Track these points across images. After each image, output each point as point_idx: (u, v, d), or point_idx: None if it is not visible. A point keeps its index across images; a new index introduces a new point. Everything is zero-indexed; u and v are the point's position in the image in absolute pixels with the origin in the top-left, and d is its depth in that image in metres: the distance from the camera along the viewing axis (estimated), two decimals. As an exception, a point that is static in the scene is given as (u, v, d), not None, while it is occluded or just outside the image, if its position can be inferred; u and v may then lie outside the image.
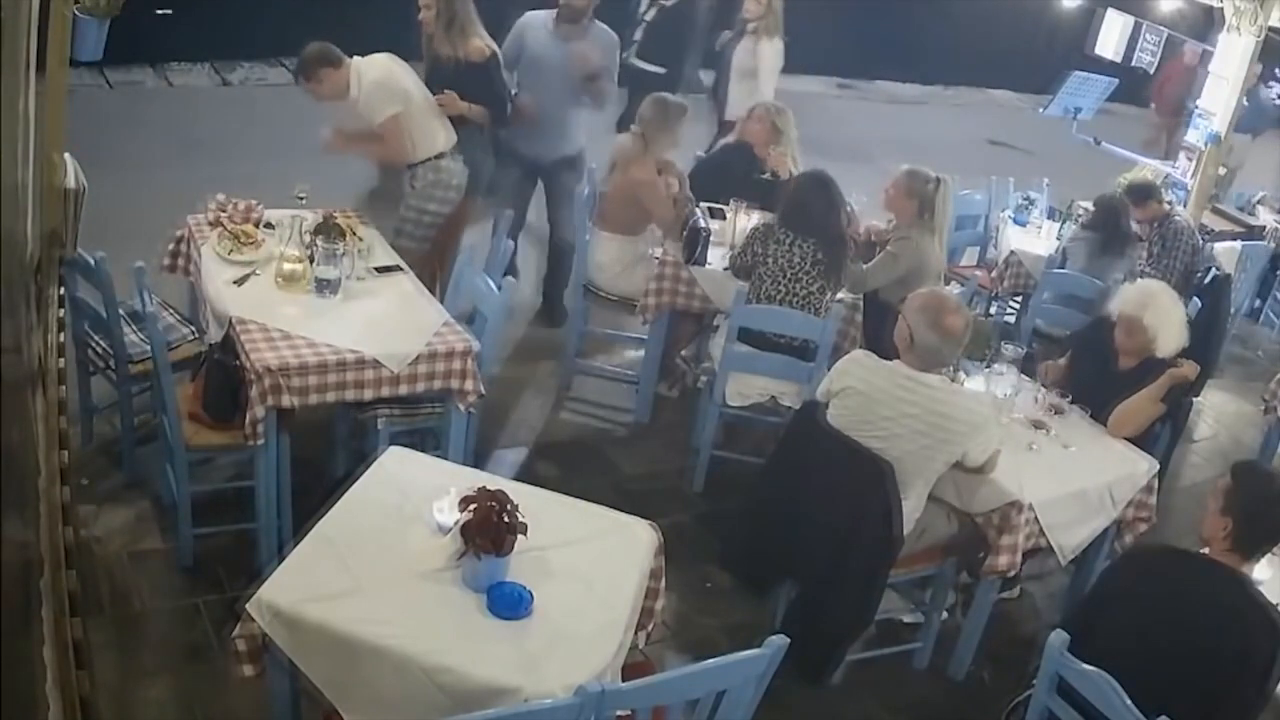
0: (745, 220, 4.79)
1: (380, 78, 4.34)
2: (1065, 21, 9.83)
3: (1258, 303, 7.51)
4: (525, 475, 4.10)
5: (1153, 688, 2.45)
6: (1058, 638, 2.62)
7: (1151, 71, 9.54)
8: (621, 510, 2.82)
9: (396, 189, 4.74)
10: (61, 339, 3.40)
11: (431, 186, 4.59)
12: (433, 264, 4.70)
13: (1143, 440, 3.86)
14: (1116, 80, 9.74)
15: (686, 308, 4.65)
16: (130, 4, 4.18)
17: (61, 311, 3.49)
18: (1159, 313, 3.85)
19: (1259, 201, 7.87)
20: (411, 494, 2.68)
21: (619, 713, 2.17)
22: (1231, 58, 6.73)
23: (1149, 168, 7.56)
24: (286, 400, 3.22)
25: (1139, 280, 4.34)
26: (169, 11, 5.67)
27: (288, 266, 3.65)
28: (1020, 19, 12.54)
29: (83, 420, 3.92)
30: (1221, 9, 6.66)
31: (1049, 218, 6.41)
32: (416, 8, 4.71)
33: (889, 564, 3.20)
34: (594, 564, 2.59)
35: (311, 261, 3.64)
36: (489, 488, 2.46)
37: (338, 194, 4.68)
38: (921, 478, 3.21)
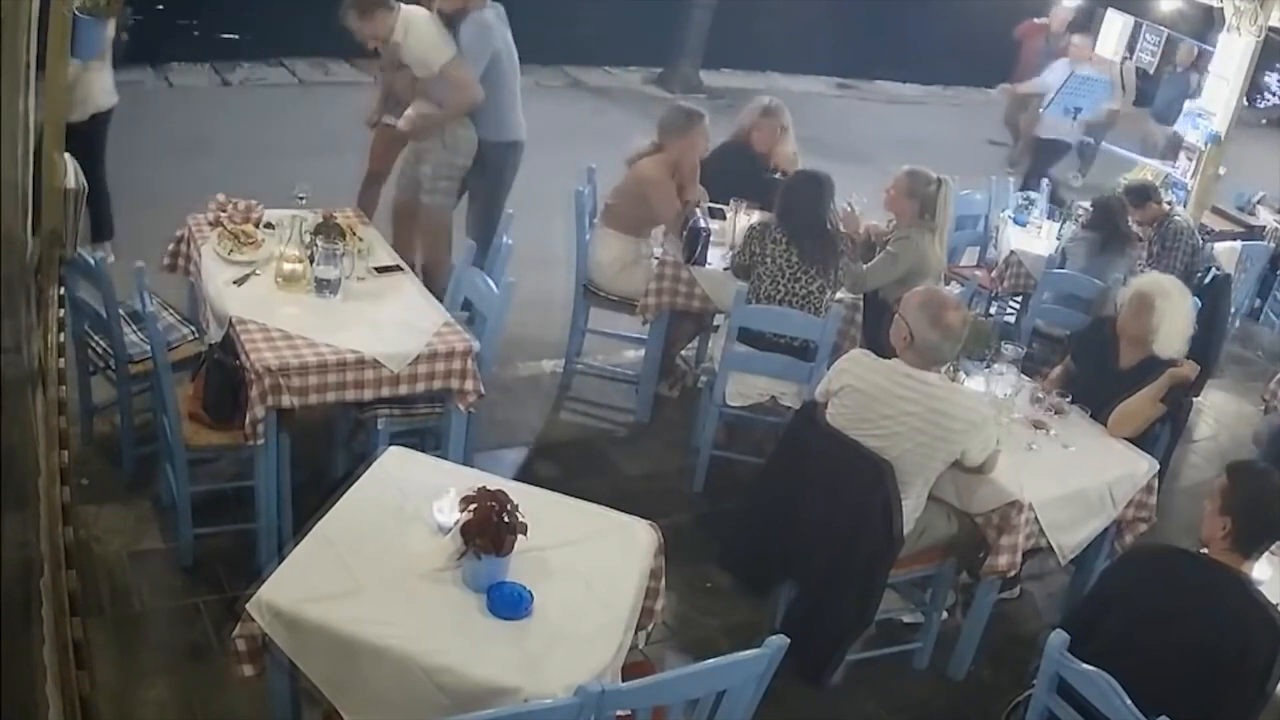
0: (745, 220, 4.79)
1: (434, 27, 4.66)
2: (1077, 23, 9.84)
3: (1258, 303, 7.51)
4: (525, 475, 4.10)
5: (1153, 688, 2.45)
6: (1058, 638, 2.62)
7: (1151, 72, 9.56)
8: (621, 510, 2.82)
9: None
10: (61, 339, 3.40)
11: (461, 141, 4.84)
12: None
13: (1143, 440, 3.86)
14: (1116, 80, 9.76)
15: (686, 308, 4.65)
16: (130, 4, 4.19)
17: (61, 311, 3.49)
18: (1170, 301, 3.86)
19: (1259, 201, 7.87)
20: (411, 494, 2.68)
21: (619, 713, 2.17)
22: (1231, 58, 6.74)
23: (1149, 168, 7.58)
24: (286, 400, 3.22)
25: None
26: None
27: (288, 266, 3.64)
28: (1020, 19, 12.55)
29: (83, 420, 3.92)
30: (1221, 9, 6.67)
31: (1049, 218, 6.41)
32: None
33: (889, 564, 3.20)
34: (594, 564, 2.59)
35: (311, 261, 3.64)
36: (489, 488, 2.46)
37: (338, 194, 4.70)
38: (921, 477, 3.21)
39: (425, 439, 3.68)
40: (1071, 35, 8.10)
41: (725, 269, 4.53)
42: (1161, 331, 3.85)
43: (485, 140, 4.91)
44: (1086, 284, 5.19)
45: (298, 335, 3.34)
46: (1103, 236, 5.36)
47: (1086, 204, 5.96)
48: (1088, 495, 3.55)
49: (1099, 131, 9.50)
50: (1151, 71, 9.61)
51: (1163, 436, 4.07)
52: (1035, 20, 9.81)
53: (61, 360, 3.24)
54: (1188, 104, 9.66)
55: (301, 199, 4.02)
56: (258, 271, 3.70)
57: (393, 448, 2.94)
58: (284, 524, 3.44)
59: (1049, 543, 3.47)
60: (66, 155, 3.68)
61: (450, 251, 4.90)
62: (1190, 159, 7.15)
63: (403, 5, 4.64)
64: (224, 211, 3.99)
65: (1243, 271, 6.68)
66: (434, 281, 4.61)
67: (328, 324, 3.45)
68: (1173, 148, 9.39)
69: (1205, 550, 2.76)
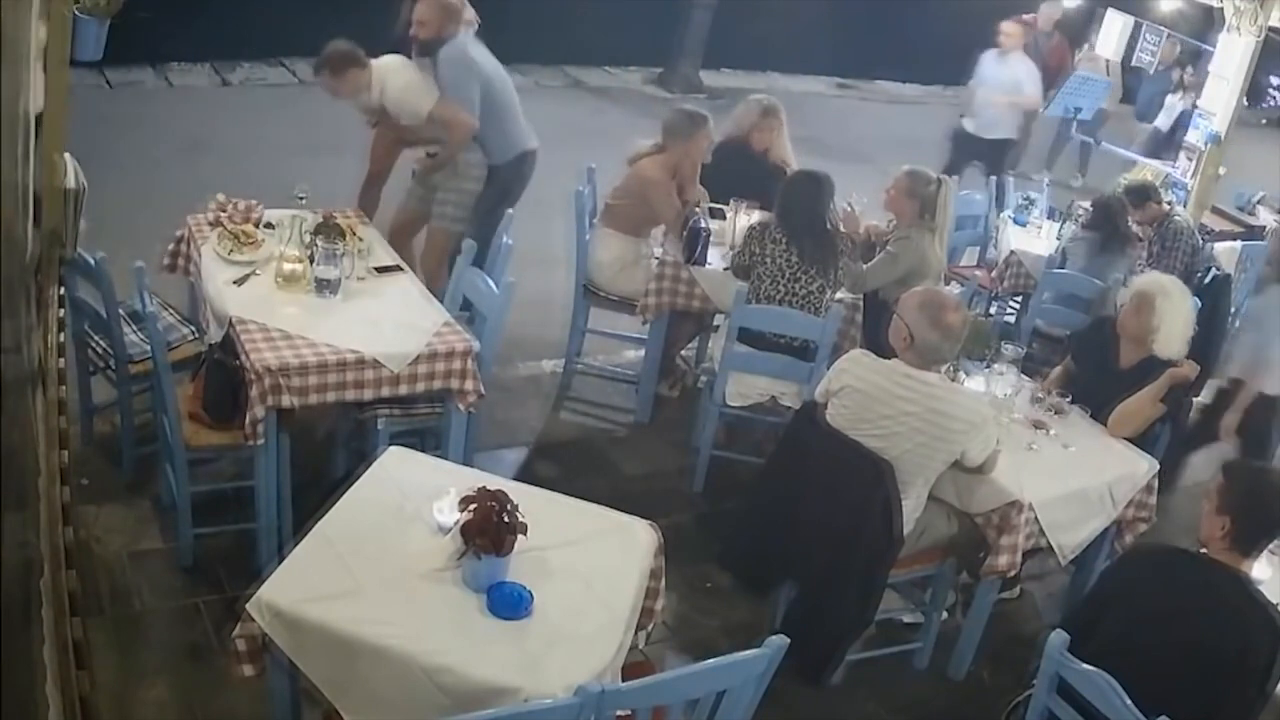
0: (745, 220, 4.79)
1: (411, 74, 4.60)
2: (1065, 22, 9.84)
3: (1258, 303, 7.49)
4: (525, 475, 4.10)
5: (1153, 687, 2.45)
6: (1058, 638, 2.62)
7: (1152, 72, 9.55)
8: (621, 510, 2.82)
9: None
10: (61, 339, 3.40)
11: (469, 166, 4.78)
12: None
13: (1143, 440, 3.86)
14: (1114, 80, 9.73)
15: (686, 308, 4.65)
16: (130, 4, 4.20)
17: (61, 311, 3.49)
18: (1170, 301, 3.85)
19: (1259, 201, 7.87)
20: (411, 494, 2.68)
21: (619, 713, 2.17)
22: (1231, 58, 6.74)
23: (1149, 168, 7.58)
24: (286, 400, 3.22)
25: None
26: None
27: (288, 266, 3.64)
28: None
29: (83, 420, 3.92)
30: (1221, 9, 6.67)
31: (1049, 218, 6.41)
32: (408, 22, 4.75)
33: (889, 564, 3.20)
34: (594, 564, 2.59)
35: (311, 261, 3.64)
36: (489, 488, 2.46)
37: (338, 194, 4.70)
38: (921, 477, 3.21)
39: (425, 439, 3.68)
40: (1002, 24, 7.87)
41: (725, 269, 4.53)
42: (1162, 331, 3.84)
43: (494, 163, 4.86)
44: (1086, 284, 5.19)
45: (298, 335, 3.34)
46: (1103, 236, 5.37)
47: (1086, 204, 5.96)
48: (1088, 495, 3.55)
49: (1094, 130, 9.49)
50: (1151, 71, 9.59)
51: (1163, 436, 4.07)
52: (1022, 17, 9.77)
53: (61, 360, 3.23)
54: (1168, 99, 9.67)
55: (301, 199, 4.02)
56: (258, 271, 3.70)
57: (393, 448, 2.94)
58: (284, 524, 3.44)
59: (1049, 543, 3.47)
60: (66, 155, 3.68)
61: (446, 268, 4.87)
62: (1190, 159, 7.14)
63: (375, 61, 4.55)
64: (224, 211, 4.00)
65: (1243, 271, 6.67)
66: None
67: (328, 324, 3.45)
68: (1154, 144, 9.41)
69: (1204, 550, 2.76)
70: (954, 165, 7.57)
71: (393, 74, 4.58)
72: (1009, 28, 7.67)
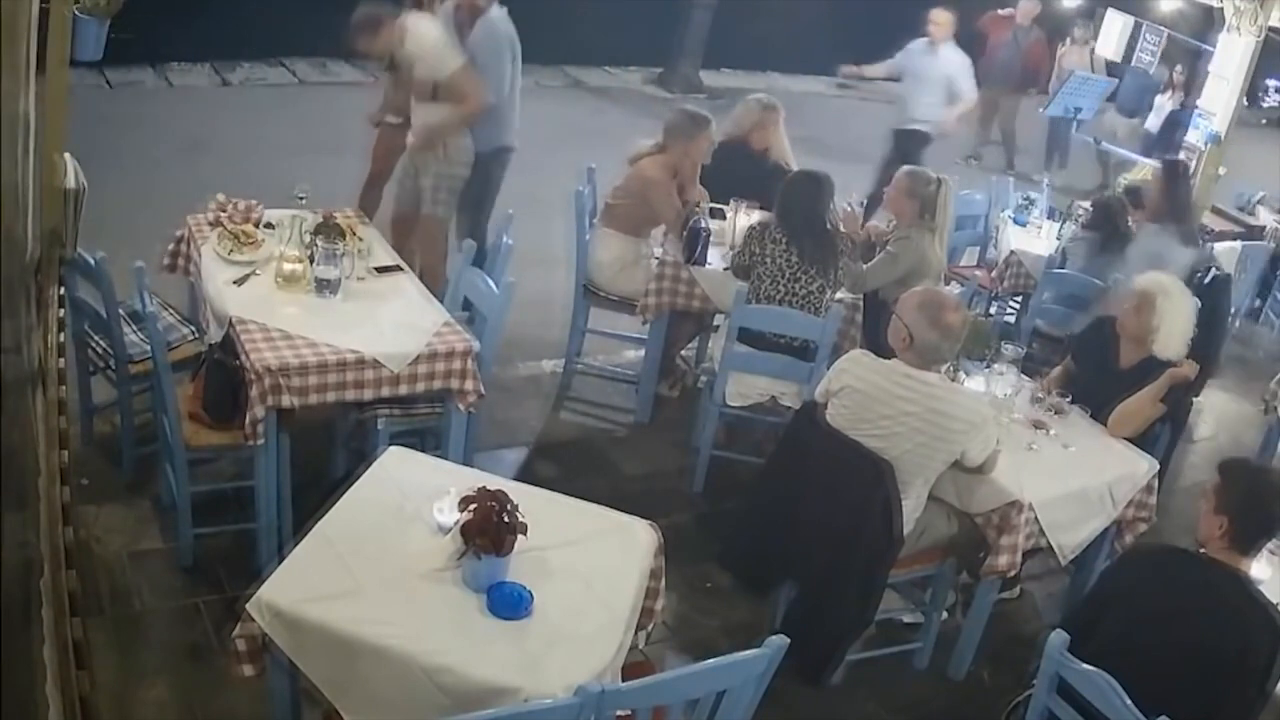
0: (745, 220, 4.79)
1: (441, 34, 4.67)
2: (1044, 17, 9.85)
3: (1258, 303, 7.51)
4: (525, 475, 4.10)
5: (1153, 687, 2.45)
6: (1058, 638, 2.62)
7: (1152, 71, 9.55)
8: (621, 510, 2.82)
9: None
10: (61, 339, 3.40)
11: (458, 151, 4.80)
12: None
13: (1143, 440, 3.85)
14: (1116, 80, 9.73)
15: (686, 308, 4.65)
16: (130, 4, 4.20)
17: (61, 311, 3.49)
18: (1170, 300, 3.85)
19: (1259, 201, 7.87)
20: (411, 494, 2.68)
21: (619, 713, 2.17)
22: (1231, 58, 6.74)
23: (1149, 168, 7.57)
24: (286, 400, 3.22)
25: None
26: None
27: (288, 266, 3.64)
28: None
29: (83, 420, 3.92)
30: (1221, 9, 6.67)
31: (1049, 218, 6.41)
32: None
33: (889, 564, 3.20)
34: (594, 564, 2.59)
35: (311, 261, 3.64)
36: (489, 488, 2.46)
37: (338, 194, 4.70)
38: (921, 477, 3.21)
39: (425, 439, 3.68)
40: (932, 12, 7.30)
41: (725, 269, 4.53)
42: (1162, 331, 3.84)
43: (479, 150, 4.88)
44: (1086, 284, 5.19)
45: (298, 335, 3.34)
46: (1103, 236, 5.37)
47: (1086, 204, 5.97)
48: (1088, 495, 3.55)
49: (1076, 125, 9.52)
50: (1152, 71, 9.60)
51: (1163, 436, 4.06)
52: (999, 12, 9.72)
53: (61, 360, 3.24)
54: (1158, 99, 9.67)
55: (301, 199, 4.02)
56: (258, 271, 3.70)
57: (393, 448, 2.94)
58: (284, 524, 3.44)
59: (1049, 543, 3.46)
60: (67, 155, 3.68)
61: (446, 260, 4.89)
62: (1190, 159, 7.14)
63: (406, 16, 4.61)
64: (224, 211, 3.99)
65: (1243, 271, 6.68)
66: (431, 289, 4.61)
67: (328, 324, 3.45)
68: (1145, 144, 9.42)
69: (1204, 550, 2.76)
70: (893, 163, 7.34)
71: (426, 27, 4.64)
72: (939, 16, 7.19)
